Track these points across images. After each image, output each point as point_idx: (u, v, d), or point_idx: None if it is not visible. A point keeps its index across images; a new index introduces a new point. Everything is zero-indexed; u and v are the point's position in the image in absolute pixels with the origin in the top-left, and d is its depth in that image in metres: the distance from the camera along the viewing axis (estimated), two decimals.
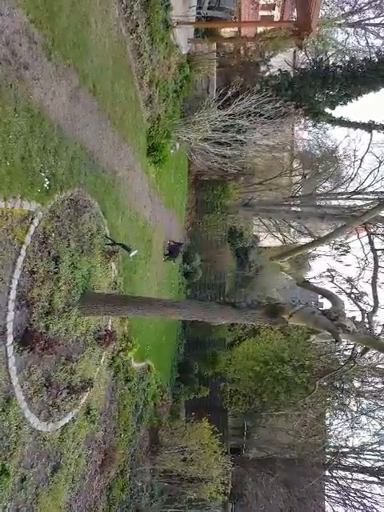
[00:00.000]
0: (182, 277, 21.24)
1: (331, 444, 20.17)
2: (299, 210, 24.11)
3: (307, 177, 24.99)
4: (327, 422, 20.03)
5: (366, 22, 30.33)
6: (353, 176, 22.41)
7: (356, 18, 30.34)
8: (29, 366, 7.51)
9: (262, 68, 21.35)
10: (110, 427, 11.62)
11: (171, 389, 19.28)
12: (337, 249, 21.09)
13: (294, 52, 27.45)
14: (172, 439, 14.75)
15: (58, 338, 8.19)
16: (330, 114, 21.74)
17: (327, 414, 19.89)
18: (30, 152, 7.39)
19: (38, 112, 7.59)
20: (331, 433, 19.91)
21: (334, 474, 19.51)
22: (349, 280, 14.41)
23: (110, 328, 10.83)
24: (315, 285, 12.47)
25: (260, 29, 22.48)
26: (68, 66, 8.56)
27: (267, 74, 20.86)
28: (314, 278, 20.04)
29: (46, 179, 7.86)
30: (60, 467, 8.72)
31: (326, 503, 20.52)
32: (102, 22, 9.90)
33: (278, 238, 26.94)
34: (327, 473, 19.48)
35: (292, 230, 26.54)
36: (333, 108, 20.61)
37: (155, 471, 14.71)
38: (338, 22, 29.51)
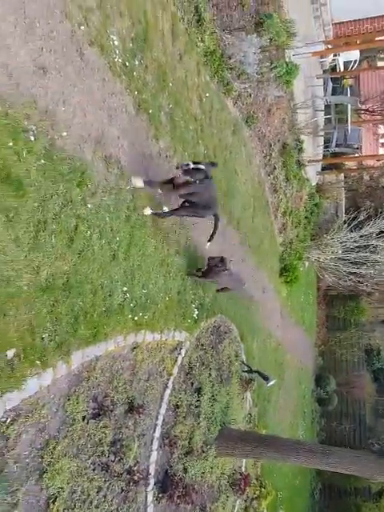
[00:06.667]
0: (315, 403, 19.41)
1: None
2: None
3: None
4: None
5: None
6: None
7: None
8: None
9: None
10: None
11: None
12: None
13: None
14: None
15: (194, 483, 7.45)
16: None
17: None
18: (185, 286, 8.25)
19: (194, 249, 8.53)
20: None
21: None
22: None
23: (243, 469, 9.93)
24: None
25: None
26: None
27: None
28: None
29: (196, 309, 8.48)
30: None
31: None
32: (246, 170, 11.35)
33: None
34: None
35: None
36: None
37: None
38: None
